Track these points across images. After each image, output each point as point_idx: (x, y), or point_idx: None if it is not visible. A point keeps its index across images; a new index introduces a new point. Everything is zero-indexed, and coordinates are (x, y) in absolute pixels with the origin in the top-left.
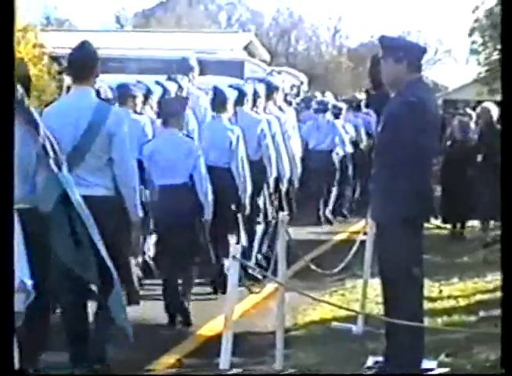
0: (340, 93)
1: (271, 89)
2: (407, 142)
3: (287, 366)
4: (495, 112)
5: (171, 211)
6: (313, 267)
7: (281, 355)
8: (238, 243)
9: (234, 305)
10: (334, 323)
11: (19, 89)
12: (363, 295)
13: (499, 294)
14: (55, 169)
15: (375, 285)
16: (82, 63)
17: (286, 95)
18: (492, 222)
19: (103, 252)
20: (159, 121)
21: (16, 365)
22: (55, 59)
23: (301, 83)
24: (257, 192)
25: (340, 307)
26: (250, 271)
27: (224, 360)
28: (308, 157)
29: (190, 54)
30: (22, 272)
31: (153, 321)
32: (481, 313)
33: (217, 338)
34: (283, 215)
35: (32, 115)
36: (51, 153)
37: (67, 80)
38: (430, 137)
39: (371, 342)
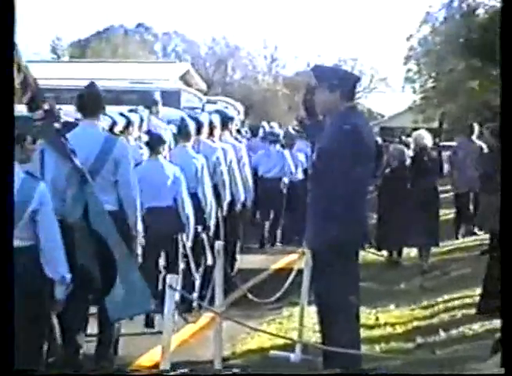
0: (278, 121)
1: (225, 119)
2: (342, 170)
3: None
4: (428, 139)
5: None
6: (250, 296)
7: None
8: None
9: (171, 334)
10: (272, 352)
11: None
12: (300, 323)
13: (435, 320)
14: (81, 187)
15: (312, 313)
16: (93, 102)
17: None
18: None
19: (118, 251)
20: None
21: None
22: None
23: (238, 112)
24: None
25: (278, 336)
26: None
27: None
28: (258, 183)
29: (126, 84)
30: (63, 268)
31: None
32: (418, 340)
33: (155, 368)
34: (219, 244)
35: (65, 143)
36: (77, 175)
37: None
38: (365, 165)
39: (309, 370)
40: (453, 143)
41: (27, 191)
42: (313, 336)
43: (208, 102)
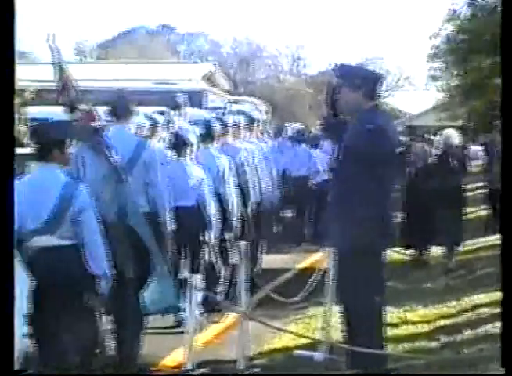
0: (301, 121)
1: (251, 120)
2: (365, 170)
3: None
4: (457, 138)
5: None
6: (275, 296)
7: None
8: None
9: (194, 334)
10: (296, 351)
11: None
12: (325, 323)
13: (460, 319)
14: (117, 187)
15: (337, 313)
16: (124, 106)
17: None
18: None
19: (152, 248)
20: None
21: None
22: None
23: (263, 113)
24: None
25: (302, 336)
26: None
27: None
28: (286, 183)
29: (150, 85)
30: (105, 264)
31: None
32: (443, 339)
33: (180, 368)
34: (243, 244)
35: (103, 143)
36: (114, 175)
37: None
38: (389, 164)
39: (334, 370)
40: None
41: (69, 193)
42: (338, 336)
43: (231, 102)
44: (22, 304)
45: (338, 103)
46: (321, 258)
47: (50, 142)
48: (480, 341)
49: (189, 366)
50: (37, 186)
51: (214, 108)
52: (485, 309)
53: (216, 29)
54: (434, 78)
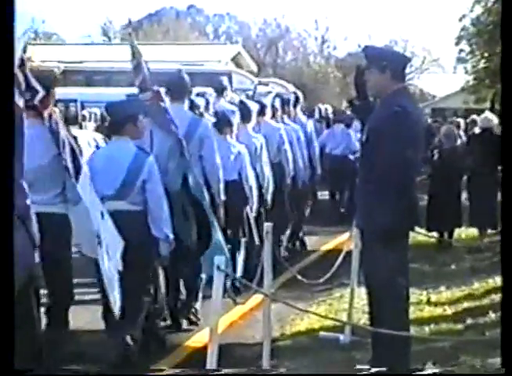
0: (330, 103)
1: (286, 102)
2: (391, 152)
3: None
4: (495, 121)
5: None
6: (300, 277)
7: (268, 365)
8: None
9: (219, 316)
10: (321, 333)
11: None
12: (350, 305)
13: (486, 301)
14: (180, 160)
15: (362, 294)
16: (180, 86)
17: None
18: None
19: (210, 217)
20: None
21: None
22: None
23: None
24: (278, 191)
25: (327, 317)
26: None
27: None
28: (325, 160)
29: (177, 66)
30: (167, 228)
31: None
32: (468, 321)
33: (204, 349)
34: (268, 225)
35: (169, 120)
36: (178, 149)
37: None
38: (415, 147)
39: (358, 352)
40: None
41: (139, 163)
42: (363, 317)
43: (260, 83)
44: (116, 263)
45: (366, 85)
46: (347, 239)
47: (124, 118)
48: None
49: (214, 348)
50: (111, 156)
51: (243, 90)
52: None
53: (244, 10)
54: (462, 61)
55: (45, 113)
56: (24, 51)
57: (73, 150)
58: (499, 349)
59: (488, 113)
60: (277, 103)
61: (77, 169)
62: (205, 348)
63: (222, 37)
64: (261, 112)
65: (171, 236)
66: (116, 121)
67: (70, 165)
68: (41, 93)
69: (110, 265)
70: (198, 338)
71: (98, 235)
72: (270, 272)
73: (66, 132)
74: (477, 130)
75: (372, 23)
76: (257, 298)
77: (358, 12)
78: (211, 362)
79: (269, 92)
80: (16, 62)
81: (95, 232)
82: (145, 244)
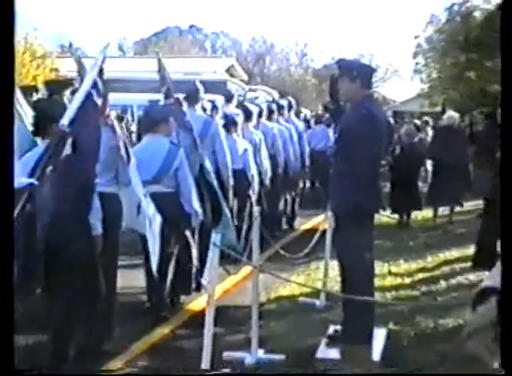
0: (308, 107)
1: (280, 107)
2: (359, 147)
3: (262, 336)
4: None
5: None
6: (282, 252)
7: (256, 325)
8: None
9: (215, 284)
10: (301, 299)
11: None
12: (325, 275)
13: (437, 272)
14: (197, 153)
15: (335, 266)
16: (194, 93)
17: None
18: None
19: (221, 199)
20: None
21: None
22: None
23: (273, 98)
24: (273, 177)
25: (305, 285)
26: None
27: (207, 331)
28: (309, 154)
29: (181, 76)
30: (196, 205)
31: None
32: (423, 289)
33: (203, 313)
34: (256, 209)
35: (188, 122)
36: (194, 144)
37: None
38: (379, 142)
39: (331, 314)
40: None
41: (172, 155)
42: (335, 285)
43: (249, 90)
44: (155, 233)
45: (339, 92)
46: (322, 220)
47: (160, 119)
48: (453, 290)
49: (211, 311)
50: (149, 149)
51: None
52: (457, 263)
53: (236, 29)
54: (417, 72)
55: (106, 114)
56: (103, 62)
57: (125, 143)
58: (449, 312)
59: (451, 112)
60: (274, 107)
61: (128, 158)
62: (203, 311)
63: (218, 52)
64: (259, 114)
65: (200, 210)
66: (152, 121)
67: (123, 155)
68: (102, 98)
69: (150, 234)
70: (197, 303)
71: (142, 211)
72: (257, 248)
73: (120, 129)
74: (443, 123)
75: (344, 40)
76: (246, 269)
77: (332, 31)
78: (209, 322)
79: (256, 98)
80: (97, 72)
81: (139, 208)
82: (179, 217)
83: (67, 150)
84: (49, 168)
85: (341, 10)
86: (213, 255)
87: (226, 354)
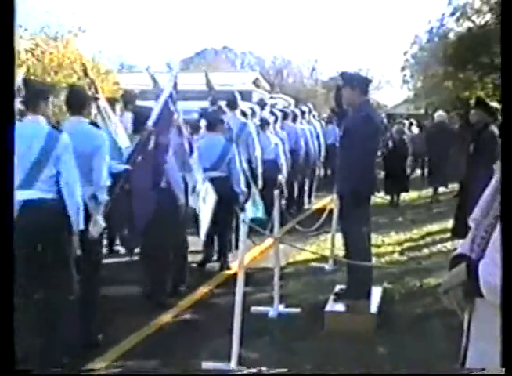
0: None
1: (302, 111)
2: (359, 143)
3: (282, 294)
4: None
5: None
6: (298, 227)
7: (277, 285)
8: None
9: (245, 253)
10: (313, 264)
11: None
12: (332, 244)
13: (421, 242)
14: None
15: (340, 238)
16: (235, 101)
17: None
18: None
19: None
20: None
21: None
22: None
23: (289, 104)
24: (296, 166)
25: (316, 253)
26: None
27: (238, 290)
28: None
29: (217, 87)
30: (243, 186)
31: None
32: (410, 254)
33: (235, 275)
34: (277, 192)
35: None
36: (231, 141)
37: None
38: (375, 139)
39: (337, 276)
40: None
41: (227, 148)
42: (340, 253)
43: (271, 98)
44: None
45: (342, 99)
46: (329, 201)
47: (219, 120)
48: (434, 256)
49: (241, 276)
50: (208, 144)
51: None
52: (437, 235)
53: (261, 49)
54: (405, 82)
55: (175, 117)
56: (176, 78)
57: (188, 139)
58: (431, 273)
59: (440, 111)
60: (297, 111)
61: (192, 151)
62: (235, 274)
63: (246, 67)
64: (285, 117)
65: (245, 190)
66: (212, 122)
67: (187, 148)
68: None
69: (203, 208)
70: (231, 268)
71: (196, 191)
72: (278, 223)
73: (185, 129)
74: (436, 119)
75: (346, 57)
76: (269, 241)
77: (336, 50)
78: (240, 283)
79: (276, 104)
80: (172, 86)
81: (194, 188)
82: (230, 196)
83: (151, 144)
84: (140, 157)
85: (344, 33)
86: (242, 230)
87: (254, 308)
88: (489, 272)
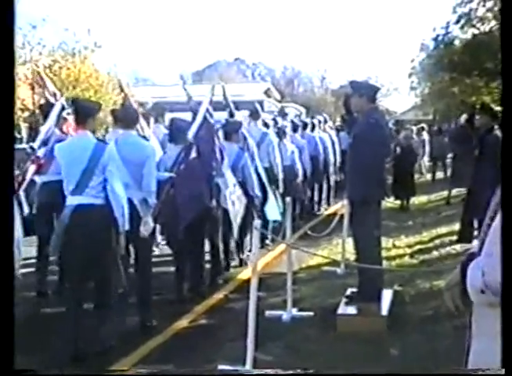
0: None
1: (319, 121)
2: (368, 149)
3: (295, 298)
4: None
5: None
6: (309, 232)
7: (290, 289)
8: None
9: (258, 259)
10: (325, 268)
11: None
12: (343, 249)
13: (431, 244)
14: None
15: (351, 242)
16: (256, 111)
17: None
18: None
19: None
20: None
21: None
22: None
23: (301, 112)
24: (315, 171)
25: (328, 257)
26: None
27: (252, 295)
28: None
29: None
30: (256, 188)
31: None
32: (420, 258)
33: (249, 281)
34: (289, 199)
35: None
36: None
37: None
38: (384, 144)
39: (349, 279)
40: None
41: (240, 156)
42: (351, 257)
43: (282, 107)
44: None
45: (351, 106)
46: (340, 206)
47: (233, 131)
48: (443, 259)
49: (255, 280)
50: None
51: (271, 112)
52: (446, 238)
53: (271, 60)
54: (413, 88)
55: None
56: (212, 95)
57: (220, 148)
58: (440, 275)
59: (464, 115)
60: (315, 121)
61: (223, 158)
62: (249, 279)
63: (257, 78)
64: (304, 127)
65: (260, 194)
66: (228, 132)
67: (218, 156)
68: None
69: (232, 210)
70: (244, 273)
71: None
72: (290, 229)
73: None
74: (461, 121)
75: (355, 66)
76: (282, 247)
77: (345, 59)
78: (253, 288)
79: (286, 114)
80: (208, 102)
81: (228, 192)
82: (246, 199)
83: (193, 153)
84: (182, 166)
85: (352, 43)
86: (255, 237)
87: (268, 313)
88: (474, 275)
